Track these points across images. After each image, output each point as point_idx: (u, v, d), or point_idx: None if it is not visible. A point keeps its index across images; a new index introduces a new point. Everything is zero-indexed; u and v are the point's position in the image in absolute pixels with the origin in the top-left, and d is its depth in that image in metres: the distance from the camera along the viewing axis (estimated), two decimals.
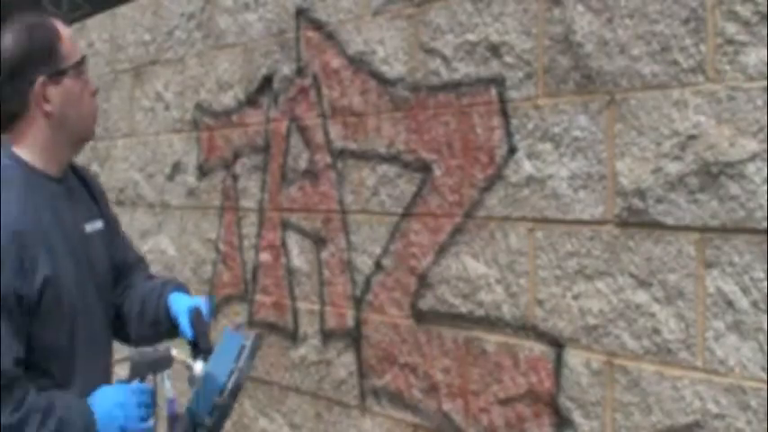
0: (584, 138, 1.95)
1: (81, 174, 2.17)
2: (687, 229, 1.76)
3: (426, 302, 2.34)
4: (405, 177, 2.40)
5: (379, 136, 2.48)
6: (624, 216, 1.87)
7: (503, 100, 2.13)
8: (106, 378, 2.05)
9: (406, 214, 2.40)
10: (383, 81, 2.46)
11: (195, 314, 2.11)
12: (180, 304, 2.13)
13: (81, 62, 2.06)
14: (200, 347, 2.10)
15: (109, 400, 1.95)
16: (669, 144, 1.78)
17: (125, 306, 2.18)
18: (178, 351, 2.15)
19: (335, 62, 2.62)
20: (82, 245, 2.00)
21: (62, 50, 2.04)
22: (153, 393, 2.03)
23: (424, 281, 2.34)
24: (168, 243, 3.54)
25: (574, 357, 1.97)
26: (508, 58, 2.12)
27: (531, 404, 2.06)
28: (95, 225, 2.08)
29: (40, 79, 2.00)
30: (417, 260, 2.36)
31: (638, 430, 1.85)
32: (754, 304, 1.66)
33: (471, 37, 2.21)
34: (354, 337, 2.58)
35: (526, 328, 2.08)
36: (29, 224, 1.87)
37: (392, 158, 2.44)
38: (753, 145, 1.65)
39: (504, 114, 2.12)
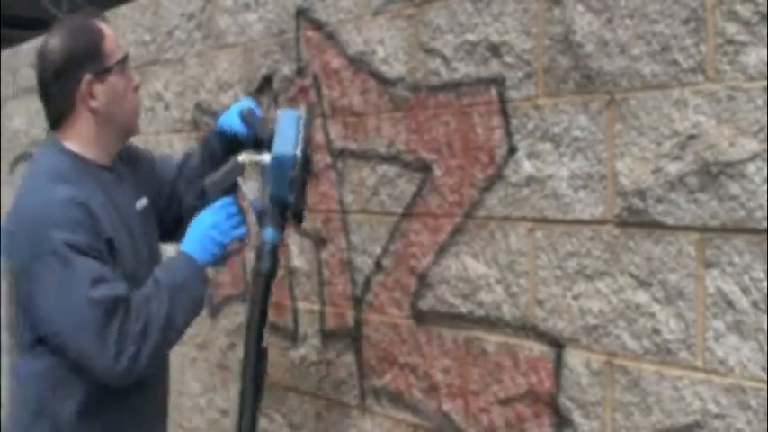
0: (584, 138, 1.95)
1: (128, 152, 2.29)
2: (687, 229, 1.76)
3: (426, 302, 2.34)
4: (405, 177, 2.40)
5: (379, 136, 2.48)
6: (624, 216, 1.87)
7: (503, 100, 2.13)
8: None
9: (406, 214, 2.40)
10: (383, 81, 2.46)
11: (246, 112, 2.26)
12: (228, 116, 2.30)
13: (124, 60, 2.16)
14: (259, 138, 2.23)
15: (200, 228, 2.14)
16: (669, 144, 1.78)
17: (191, 181, 2.34)
18: (243, 155, 2.26)
19: (335, 62, 2.62)
20: (134, 223, 2.14)
21: (106, 49, 2.13)
22: (236, 202, 2.18)
23: (424, 281, 2.34)
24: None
25: (574, 357, 1.97)
26: (508, 58, 2.12)
27: (531, 404, 2.06)
28: (142, 202, 2.21)
29: (87, 78, 2.09)
30: (417, 260, 2.36)
31: (638, 430, 1.85)
32: (754, 304, 1.66)
33: (471, 37, 2.21)
34: (354, 337, 2.58)
35: (526, 328, 2.08)
36: (88, 199, 1.99)
37: (392, 158, 2.44)
38: (753, 145, 1.65)
39: (504, 114, 2.12)
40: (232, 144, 2.29)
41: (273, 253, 2.16)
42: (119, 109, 2.16)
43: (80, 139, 2.12)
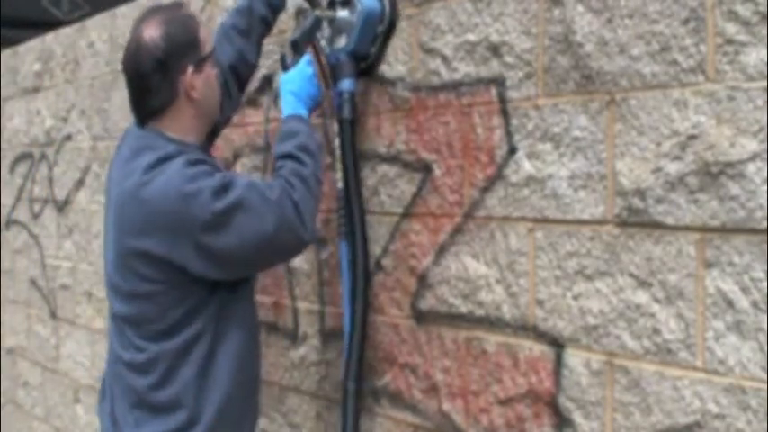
0: (584, 138, 1.95)
1: None
2: (687, 229, 1.76)
3: (426, 302, 2.34)
4: (405, 177, 2.40)
5: (379, 136, 2.48)
6: (624, 216, 1.87)
7: (503, 100, 2.13)
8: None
9: (406, 214, 2.40)
10: (383, 81, 2.46)
11: None
12: None
13: (213, 50, 2.21)
14: None
15: (303, 81, 2.32)
16: (669, 144, 1.78)
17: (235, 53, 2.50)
18: (319, 11, 2.43)
19: None
20: None
21: (202, 38, 2.16)
22: (315, 60, 2.39)
23: (424, 281, 2.34)
24: None
25: (574, 357, 1.97)
26: (508, 58, 2.12)
27: (531, 404, 2.06)
28: None
29: (190, 69, 2.12)
30: (417, 260, 2.36)
31: (638, 430, 1.85)
32: (754, 304, 1.66)
33: (471, 37, 2.21)
34: None
35: (526, 328, 2.08)
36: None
37: (392, 158, 2.44)
38: (753, 145, 1.65)
39: (504, 114, 2.12)
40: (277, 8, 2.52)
41: (352, 100, 2.35)
42: (213, 98, 2.22)
43: (179, 131, 2.15)
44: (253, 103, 3.01)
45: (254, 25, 2.48)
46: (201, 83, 2.15)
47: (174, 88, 2.11)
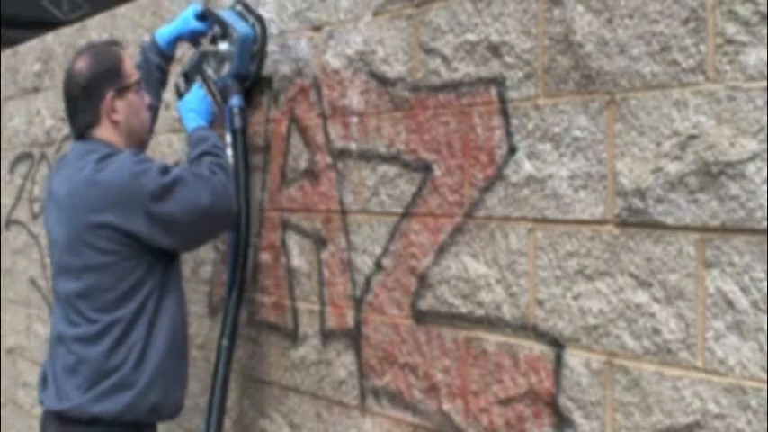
0: (584, 138, 1.95)
1: None
2: (687, 229, 1.76)
3: (426, 302, 2.34)
4: (405, 177, 2.40)
5: (380, 136, 2.48)
6: (624, 216, 1.87)
7: (503, 100, 2.13)
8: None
9: (406, 214, 2.40)
10: (383, 81, 2.46)
11: (201, 13, 2.89)
12: (168, 27, 2.99)
13: (139, 81, 2.67)
14: (216, 28, 2.86)
15: (198, 101, 2.80)
16: (669, 144, 1.78)
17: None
18: (203, 46, 2.91)
19: (335, 62, 2.62)
20: None
21: (124, 70, 2.64)
22: (205, 86, 2.86)
23: (424, 281, 2.34)
24: None
25: (574, 357, 1.97)
26: (508, 58, 2.12)
27: (531, 404, 2.06)
28: None
29: (109, 94, 2.58)
30: (417, 260, 2.36)
31: (638, 430, 1.85)
32: (754, 304, 1.66)
33: (471, 37, 2.21)
34: (354, 337, 2.58)
35: (526, 328, 2.08)
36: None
37: (392, 158, 2.44)
38: (753, 145, 1.65)
39: (504, 114, 2.12)
40: (168, 55, 3.00)
41: (242, 113, 2.83)
42: (136, 121, 2.63)
43: (111, 143, 2.56)
44: (253, 103, 3.01)
45: (152, 74, 2.97)
46: (123, 107, 2.58)
47: (96, 110, 2.55)
